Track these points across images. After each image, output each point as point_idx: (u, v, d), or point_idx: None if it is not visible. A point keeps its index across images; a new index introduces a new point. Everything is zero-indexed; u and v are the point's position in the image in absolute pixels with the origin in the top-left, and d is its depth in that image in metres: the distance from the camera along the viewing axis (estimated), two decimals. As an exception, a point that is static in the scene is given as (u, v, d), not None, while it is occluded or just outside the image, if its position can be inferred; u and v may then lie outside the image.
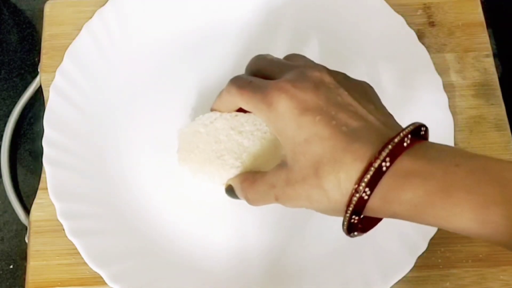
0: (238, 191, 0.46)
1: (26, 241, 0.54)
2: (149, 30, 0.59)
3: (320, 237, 0.52)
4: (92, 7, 0.60)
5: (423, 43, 0.58)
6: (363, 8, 0.59)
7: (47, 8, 0.62)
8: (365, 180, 0.35)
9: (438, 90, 0.56)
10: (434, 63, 0.57)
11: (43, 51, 0.60)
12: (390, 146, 0.35)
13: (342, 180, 0.36)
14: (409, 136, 0.36)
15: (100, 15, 0.58)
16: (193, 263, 0.51)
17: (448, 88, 0.57)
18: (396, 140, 0.35)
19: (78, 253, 0.49)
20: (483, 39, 0.61)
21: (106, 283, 0.48)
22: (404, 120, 0.55)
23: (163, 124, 0.56)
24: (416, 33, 0.58)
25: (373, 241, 0.51)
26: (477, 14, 0.62)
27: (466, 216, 0.33)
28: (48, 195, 0.51)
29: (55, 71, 0.56)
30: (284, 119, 0.39)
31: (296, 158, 0.39)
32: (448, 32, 0.62)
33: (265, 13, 0.60)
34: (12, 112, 0.60)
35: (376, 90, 0.57)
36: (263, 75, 0.44)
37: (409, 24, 0.59)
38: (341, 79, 0.42)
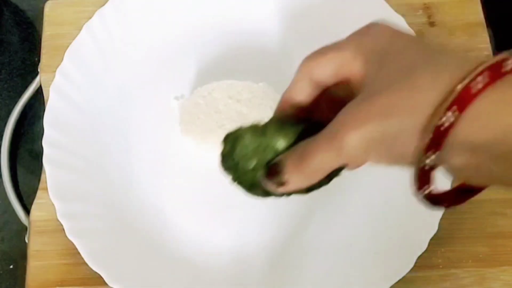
0: (288, 163, 0.35)
1: (26, 241, 0.54)
2: (149, 29, 0.59)
3: (320, 237, 0.52)
4: (92, 7, 0.60)
5: (423, 43, 0.58)
6: (363, 8, 0.59)
7: (47, 8, 0.62)
8: (449, 100, 0.28)
9: (438, 90, 0.55)
10: (435, 63, 0.57)
11: (43, 51, 0.60)
12: (486, 65, 0.28)
13: (439, 81, 0.29)
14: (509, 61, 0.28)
15: (100, 15, 0.58)
16: (193, 263, 0.51)
17: (449, 88, 0.57)
18: (487, 64, 0.28)
19: (78, 253, 0.49)
20: (483, 39, 0.61)
21: (106, 283, 0.48)
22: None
23: (163, 124, 0.56)
24: (417, 33, 0.58)
25: (373, 241, 0.51)
26: (478, 14, 0.62)
27: None
28: (48, 195, 0.51)
29: (55, 71, 0.56)
30: (365, 62, 0.33)
31: (381, 71, 0.32)
32: (448, 32, 0.61)
33: (264, 13, 0.60)
34: (12, 112, 0.60)
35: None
36: None
37: (409, 24, 0.58)
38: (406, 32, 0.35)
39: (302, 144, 0.34)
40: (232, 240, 0.52)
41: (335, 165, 0.33)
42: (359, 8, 0.59)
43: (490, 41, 0.61)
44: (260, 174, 0.38)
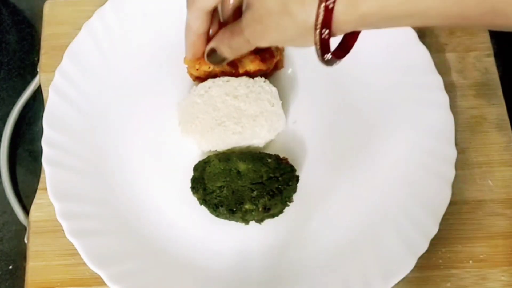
0: (224, 47, 0.47)
1: (26, 241, 0.53)
2: (148, 29, 0.59)
3: (321, 237, 0.52)
4: (91, 6, 0.60)
5: (423, 43, 0.57)
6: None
7: (47, 8, 0.62)
8: None
9: (439, 90, 0.55)
10: (435, 63, 0.56)
11: (42, 50, 0.60)
12: None
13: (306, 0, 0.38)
14: None
15: (100, 15, 0.58)
16: (193, 263, 0.51)
17: (449, 88, 0.57)
18: None
19: (78, 253, 0.49)
20: (484, 39, 0.61)
21: (105, 284, 0.48)
22: (405, 120, 0.56)
23: (163, 123, 0.56)
24: (417, 33, 0.58)
25: (374, 241, 0.51)
26: (478, 13, 0.62)
27: None
28: (48, 195, 0.51)
29: (54, 71, 0.56)
30: None
31: None
32: (449, 32, 0.61)
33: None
34: (12, 112, 0.60)
35: (376, 89, 0.58)
36: None
37: (409, 23, 0.58)
38: None
39: (227, 36, 0.46)
40: (232, 240, 0.52)
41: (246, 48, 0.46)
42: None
43: (491, 41, 0.61)
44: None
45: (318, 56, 0.40)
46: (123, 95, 0.57)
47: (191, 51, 0.51)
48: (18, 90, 0.62)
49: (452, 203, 0.51)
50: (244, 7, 0.43)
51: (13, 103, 0.61)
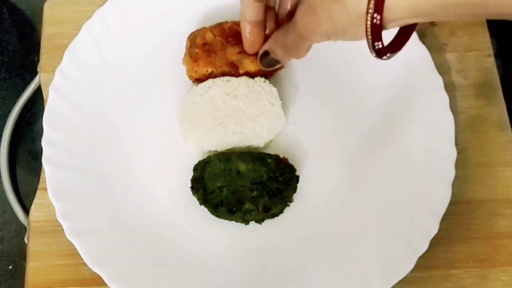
0: (277, 48, 0.48)
1: (26, 241, 0.53)
2: (148, 29, 0.59)
3: (320, 237, 0.52)
4: (91, 6, 0.60)
5: (424, 43, 0.57)
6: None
7: (47, 8, 0.62)
8: None
9: (439, 90, 0.55)
10: (435, 63, 0.56)
11: (42, 50, 0.60)
12: None
13: None
14: None
15: (100, 15, 0.58)
16: (193, 263, 0.51)
17: (449, 88, 0.57)
18: None
19: (78, 253, 0.49)
20: (484, 39, 0.61)
21: (105, 284, 0.48)
22: (405, 120, 0.56)
23: (163, 123, 0.56)
24: (417, 33, 0.58)
25: (374, 241, 0.51)
26: (478, 13, 0.62)
27: None
28: (48, 195, 0.51)
29: (54, 71, 0.56)
30: None
31: None
32: (449, 32, 0.61)
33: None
34: (12, 112, 0.60)
35: (376, 90, 0.57)
36: None
37: (409, 23, 0.58)
38: None
39: (281, 35, 0.48)
40: (232, 240, 0.52)
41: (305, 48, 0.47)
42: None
43: (491, 41, 0.61)
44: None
45: (369, 45, 0.40)
46: (123, 95, 0.57)
47: (247, 43, 0.51)
48: (18, 90, 0.62)
49: (452, 203, 0.51)
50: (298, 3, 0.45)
51: (13, 103, 0.61)
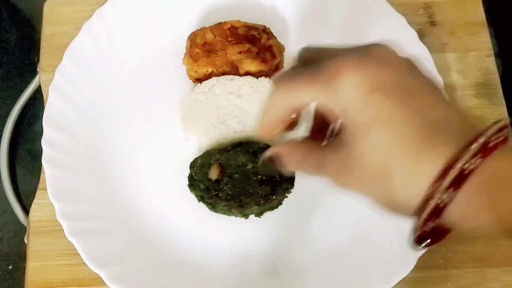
0: (287, 161, 0.38)
1: (26, 241, 0.53)
2: (148, 29, 0.59)
3: (321, 238, 0.52)
4: (91, 6, 0.60)
5: (424, 43, 0.57)
6: (364, 7, 0.59)
7: (46, 8, 0.62)
8: (447, 182, 0.30)
9: (439, 90, 0.55)
10: (435, 63, 0.56)
11: (42, 50, 0.60)
12: (475, 145, 0.30)
13: (417, 178, 0.31)
14: (498, 135, 0.30)
15: (100, 15, 0.58)
16: (193, 261, 0.51)
17: (449, 88, 0.57)
18: (482, 139, 0.30)
19: (78, 253, 0.49)
20: (484, 39, 0.61)
21: (105, 284, 0.48)
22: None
23: (163, 123, 0.56)
24: (417, 33, 0.58)
25: (374, 241, 0.51)
26: (478, 13, 0.62)
27: None
28: (48, 195, 0.51)
29: (54, 71, 0.56)
30: (348, 96, 0.33)
31: (358, 141, 0.32)
32: (449, 32, 0.61)
33: (265, 13, 0.60)
34: (11, 112, 0.60)
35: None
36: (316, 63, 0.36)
37: (410, 23, 0.58)
38: (408, 61, 0.36)
39: (300, 154, 0.37)
40: (232, 240, 0.52)
41: None
42: (360, 7, 0.59)
43: (491, 41, 0.61)
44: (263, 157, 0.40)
45: (410, 240, 0.33)
46: (123, 95, 0.57)
47: (262, 128, 0.39)
48: (18, 90, 0.61)
49: (452, 203, 0.51)
50: (336, 139, 0.35)
51: (13, 103, 0.60)
